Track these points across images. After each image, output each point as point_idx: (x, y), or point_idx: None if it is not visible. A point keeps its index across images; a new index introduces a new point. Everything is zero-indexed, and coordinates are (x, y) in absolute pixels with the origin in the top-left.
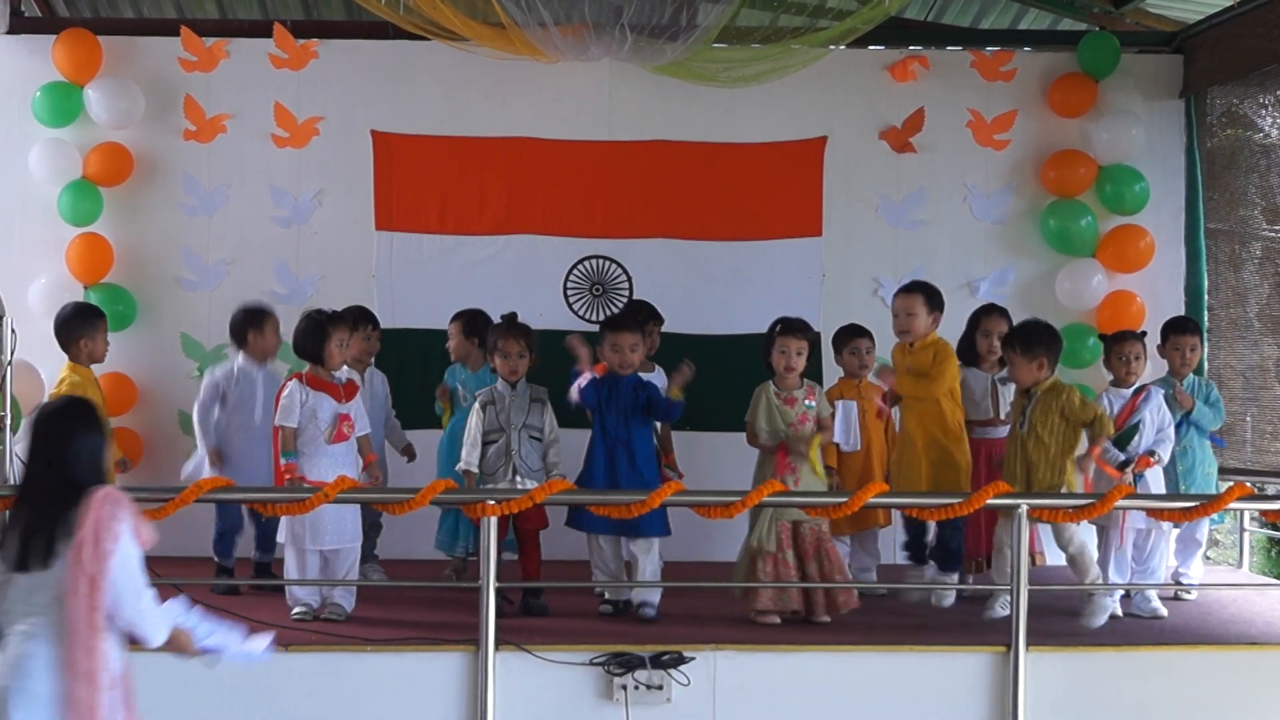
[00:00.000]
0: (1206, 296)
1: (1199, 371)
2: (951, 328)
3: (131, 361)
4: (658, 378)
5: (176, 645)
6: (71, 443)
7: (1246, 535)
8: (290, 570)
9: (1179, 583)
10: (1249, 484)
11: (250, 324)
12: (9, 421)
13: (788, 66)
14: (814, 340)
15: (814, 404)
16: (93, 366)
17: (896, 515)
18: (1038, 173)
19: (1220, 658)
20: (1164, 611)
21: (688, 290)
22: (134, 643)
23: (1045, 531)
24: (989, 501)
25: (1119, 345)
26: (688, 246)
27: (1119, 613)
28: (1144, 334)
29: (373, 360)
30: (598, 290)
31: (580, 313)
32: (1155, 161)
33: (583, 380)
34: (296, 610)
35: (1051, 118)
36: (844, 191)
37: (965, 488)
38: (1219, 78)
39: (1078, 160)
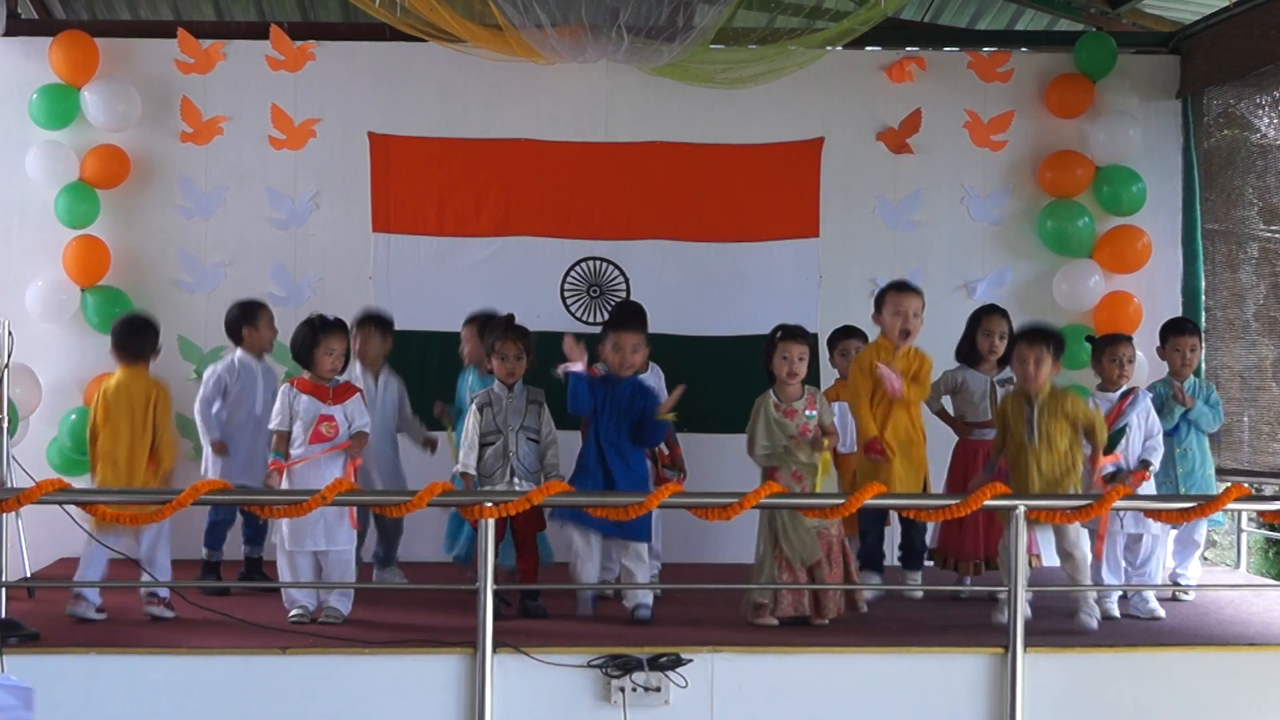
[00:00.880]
0: (1204, 297)
1: (1196, 373)
2: (950, 328)
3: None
4: (653, 377)
5: None
6: None
7: (1244, 536)
8: (283, 573)
9: (1177, 584)
10: (1246, 484)
11: (244, 319)
12: (6, 425)
13: (785, 68)
14: (814, 345)
15: (814, 413)
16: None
17: (892, 515)
18: (1035, 174)
19: (1218, 659)
20: (1162, 613)
21: (685, 291)
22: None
23: (1046, 534)
24: (986, 503)
25: (1113, 348)
26: (685, 248)
27: (1116, 614)
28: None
29: (386, 363)
30: (595, 292)
31: (578, 314)
32: (1152, 162)
33: (571, 366)
34: (293, 613)
35: (1048, 118)
36: (841, 193)
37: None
38: (1216, 78)
39: (1075, 161)
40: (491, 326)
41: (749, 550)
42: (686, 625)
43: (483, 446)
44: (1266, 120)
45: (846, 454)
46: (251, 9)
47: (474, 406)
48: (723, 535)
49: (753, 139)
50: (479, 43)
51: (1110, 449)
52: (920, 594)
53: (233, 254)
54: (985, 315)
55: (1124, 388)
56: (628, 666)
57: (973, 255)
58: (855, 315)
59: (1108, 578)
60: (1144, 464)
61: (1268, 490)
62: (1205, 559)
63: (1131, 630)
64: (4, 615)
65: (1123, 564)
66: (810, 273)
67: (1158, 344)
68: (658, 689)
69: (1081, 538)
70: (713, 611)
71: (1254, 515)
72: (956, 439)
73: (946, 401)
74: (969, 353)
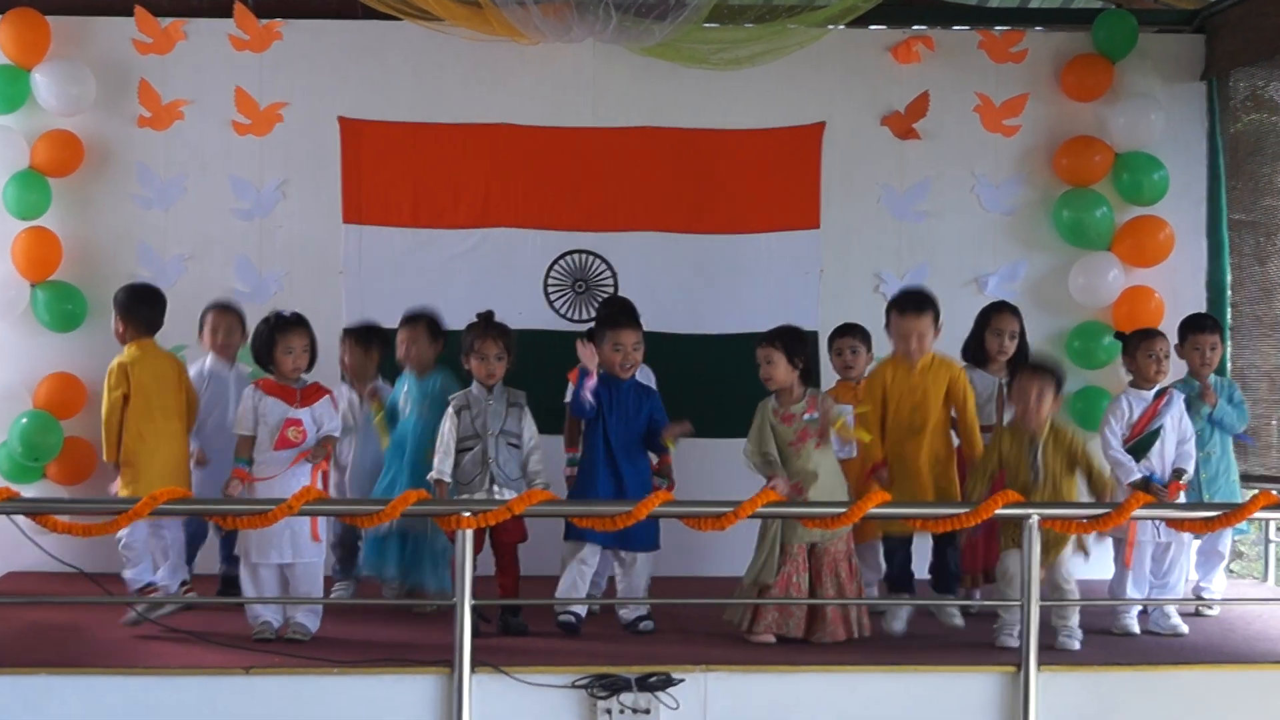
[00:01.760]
0: (1230, 292)
1: (1221, 372)
2: (959, 326)
3: (82, 364)
4: (644, 374)
5: None
6: None
7: (1272, 547)
8: (246, 587)
9: (1200, 598)
10: (1275, 492)
11: (201, 324)
12: None
13: (783, 47)
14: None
15: (815, 416)
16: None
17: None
18: (1050, 161)
19: (1244, 677)
20: (1184, 628)
21: (677, 287)
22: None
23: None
24: (998, 511)
25: (1148, 343)
26: (677, 240)
27: (1136, 630)
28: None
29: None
30: (580, 287)
31: (562, 311)
32: (1175, 148)
33: (592, 381)
34: (257, 628)
35: (1065, 102)
36: (843, 181)
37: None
38: (1243, 59)
39: (1093, 147)
40: (470, 325)
41: (744, 563)
42: (678, 643)
43: (460, 452)
44: None
45: (844, 459)
46: None
47: (450, 409)
48: (717, 547)
49: (749, 124)
50: (457, 21)
51: (1142, 453)
52: (960, 621)
53: (194, 247)
54: (995, 313)
55: (1158, 387)
56: (615, 687)
57: (984, 248)
58: (858, 311)
59: (1133, 591)
60: (1178, 473)
61: None
62: (1230, 571)
63: (1152, 647)
64: None
65: (1148, 576)
66: (810, 266)
67: (1176, 341)
68: (647, 711)
69: (1073, 573)
70: (706, 628)
71: None
72: (958, 443)
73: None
74: (977, 352)
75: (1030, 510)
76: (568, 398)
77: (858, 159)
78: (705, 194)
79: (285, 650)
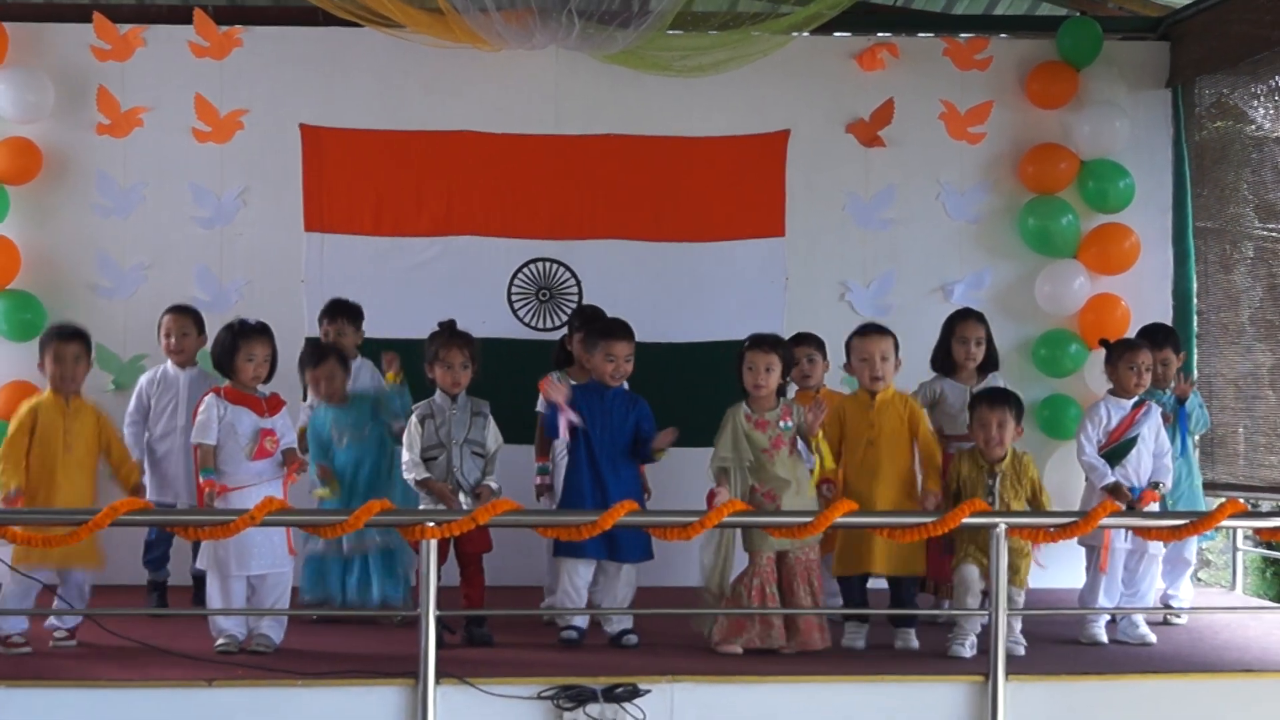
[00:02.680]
0: (1196, 300)
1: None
2: (926, 335)
3: (42, 375)
4: None
5: None
6: None
7: (1240, 555)
8: (213, 599)
9: (1168, 606)
10: (1242, 500)
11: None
12: None
13: (747, 55)
14: (787, 357)
15: (790, 424)
16: None
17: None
18: (1015, 168)
19: (1213, 686)
20: (1152, 638)
21: (641, 295)
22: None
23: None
24: (966, 520)
25: (1130, 354)
26: (641, 248)
27: (1104, 639)
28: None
29: (359, 356)
30: (544, 295)
31: (526, 320)
32: (1141, 156)
33: (573, 416)
34: (220, 642)
35: (1030, 109)
36: (808, 189)
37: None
38: (1208, 66)
39: (1058, 154)
40: (433, 333)
41: None
42: (645, 653)
43: (424, 461)
44: (1262, 111)
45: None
46: None
47: (414, 418)
48: (684, 557)
49: (713, 131)
50: (419, 28)
51: (1117, 460)
52: (916, 644)
53: (154, 255)
54: (960, 320)
55: (1137, 397)
56: (581, 698)
57: (949, 255)
58: (823, 320)
59: (1104, 600)
60: (1154, 485)
61: (1264, 506)
62: (1199, 580)
63: (1120, 656)
64: None
65: (1119, 585)
66: (776, 275)
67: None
68: None
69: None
70: (673, 638)
71: (1250, 533)
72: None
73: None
74: (945, 361)
75: (998, 519)
76: (540, 406)
77: (823, 166)
78: (670, 202)
79: (248, 662)
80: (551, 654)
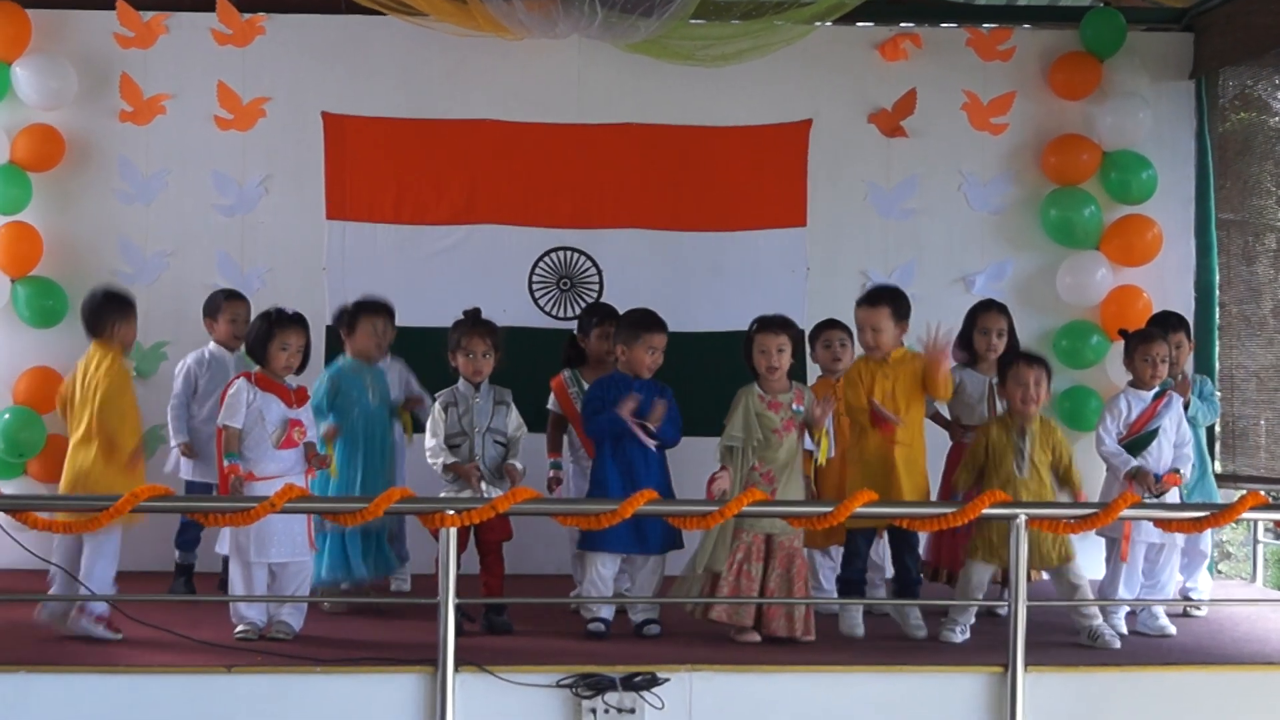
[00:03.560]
0: (1218, 292)
1: (1209, 372)
2: (946, 325)
3: (65, 361)
4: None
5: None
6: None
7: (1260, 547)
8: (235, 586)
9: (1188, 599)
10: (1263, 492)
11: (210, 311)
12: None
13: (770, 44)
14: (797, 336)
15: (802, 408)
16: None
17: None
18: (1038, 159)
19: (1233, 678)
20: (1172, 629)
21: (662, 284)
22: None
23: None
24: (985, 511)
25: (1145, 346)
26: (662, 237)
27: (1124, 630)
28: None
29: (388, 353)
30: (565, 284)
31: (547, 309)
32: (1163, 147)
33: (646, 440)
34: (240, 629)
35: (1052, 100)
36: (830, 179)
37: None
38: (1232, 57)
39: (1080, 146)
40: (457, 321)
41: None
42: (663, 642)
43: (447, 449)
44: None
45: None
46: None
47: (438, 406)
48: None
49: (735, 121)
50: (441, 16)
51: (1138, 451)
52: (923, 633)
53: (175, 243)
54: (983, 312)
55: (1157, 388)
56: (599, 686)
57: (971, 246)
58: (844, 309)
59: (1124, 591)
60: (1174, 471)
61: None
62: (1219, 572)
63: (1140, 648)
64: None
65: (1140, 577)
66: (797, 264)
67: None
68: (632, 710)
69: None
70: (691, 626)
71: (1270, 525)
72: (951, 444)
73: (941, 405)
74: (967, 352)
75: (1018, 510)
76: (550, 405)
77: (844, 157)
78: (691, 191)
79: (268, 649)
80: (570, 642)
